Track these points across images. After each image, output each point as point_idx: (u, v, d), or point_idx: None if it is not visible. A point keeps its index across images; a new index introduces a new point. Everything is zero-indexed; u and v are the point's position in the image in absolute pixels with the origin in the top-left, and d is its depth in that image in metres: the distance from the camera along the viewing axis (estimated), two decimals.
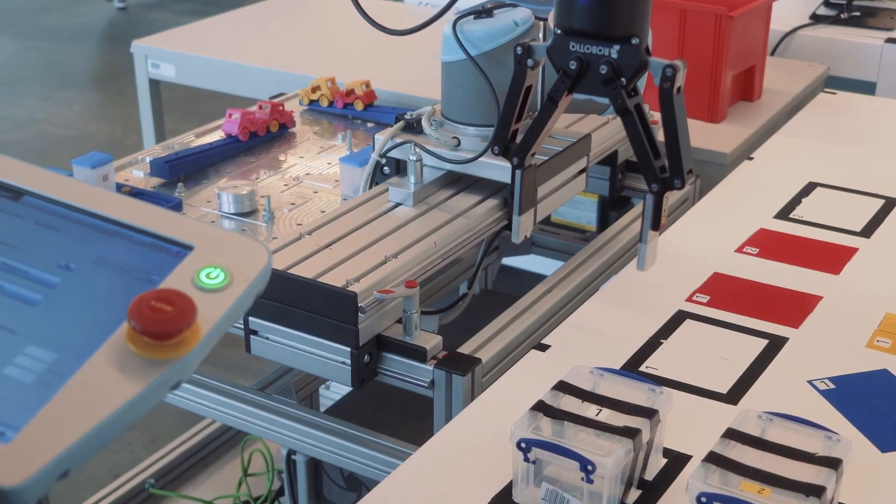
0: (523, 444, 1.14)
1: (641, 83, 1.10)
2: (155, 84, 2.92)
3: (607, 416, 1.19)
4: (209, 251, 0.77)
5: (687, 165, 1.05)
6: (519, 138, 1.17)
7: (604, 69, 1.05)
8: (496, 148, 1.09)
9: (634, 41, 1.03)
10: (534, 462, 1.15)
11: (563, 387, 1.22)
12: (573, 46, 1.05)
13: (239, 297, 0.75)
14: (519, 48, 1.08)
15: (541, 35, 1.67)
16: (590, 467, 1.10)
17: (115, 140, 4.87)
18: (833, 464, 1.10)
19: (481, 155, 1.66)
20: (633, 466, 1.16)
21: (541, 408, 1.18)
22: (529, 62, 1.10)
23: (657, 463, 1.22)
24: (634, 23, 1.03)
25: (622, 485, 1.15)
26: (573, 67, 1.06)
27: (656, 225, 1.08)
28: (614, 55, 1.04)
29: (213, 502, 2.41)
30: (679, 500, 1.15)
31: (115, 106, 5.33)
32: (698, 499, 1.06)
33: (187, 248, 0.78)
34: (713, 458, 1.11)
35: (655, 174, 1.06)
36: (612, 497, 1.14)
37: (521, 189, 1.10)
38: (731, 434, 1.15)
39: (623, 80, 1.05)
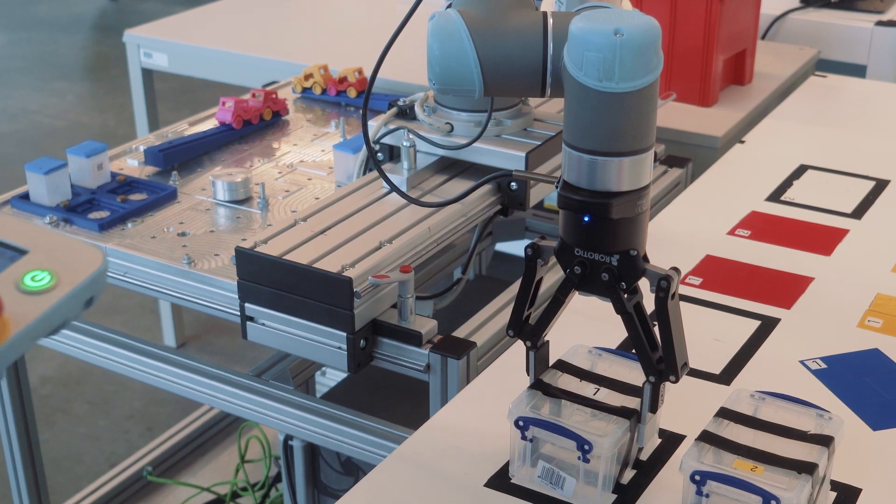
0: (521, 423, 1.15)
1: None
2: (148, 73, 2.92)
3: (605, 395, 1.20)
4: (42, 255, 0.79)
5: (681, 361, 1.14)
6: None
7: (605, 276, 1.13)
8: (511, 331, 1.21)
9: (633, 253, 1.11)
10: (531, 440, 1.16)
11: (561, 366, 1.23)
12: (578, 252, 1.13)
13: (61, 299, 0.76)
14: (529, 249, 1.18)
15: (540, 28, 1.67)
16: (587, 447, 1.11)
17: (109, 130, 4.87)
18: (825, 441, 1.11)
19: (475, 141, 1.67)
20: (630, 446, 1.17)
21: (539, 386, 1.19)
22: (540, 261, 1.19)
23: (653, 443, 1.24)
24: (632, 238, 1.12)
25: (618, 464, 1.16)
26: (577, 272, 1.14)
27: (653, 409, 1.16)
28: (614, 263, 1.12)
29: (210, 489, 2.42)
30: (673, 479, 1.16)
31: (107, 96, 5.33)
32: (692, 477, 1.07)
33: (21, 252, 0.79)
34: (707, 437, 1.12)
35: (653, 367, 1.14)
36: (608, 476, 1.15)
37: (535, 366, 1.21)
38: (725, 413, 1.16)
39: (623, 284, 1.12)
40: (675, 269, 1.12)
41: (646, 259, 1.13)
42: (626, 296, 1.13)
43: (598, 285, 1.13)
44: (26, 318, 0.74)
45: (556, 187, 1.12)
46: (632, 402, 1.17)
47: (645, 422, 1.15)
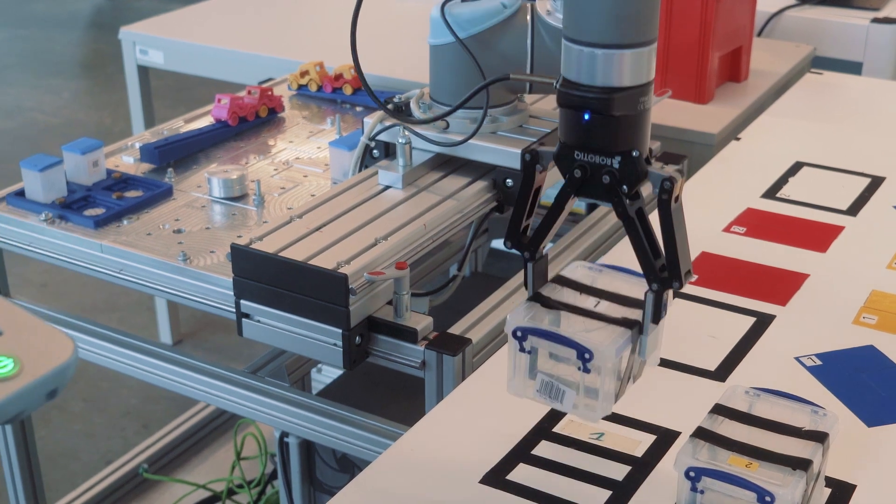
0: (519, 333, 1.12)
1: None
2: (143, 71, 2.92)
3: (605, 307, 1.16)
4: (12, 339, 0.76)
5: (685, 268, 1.09)
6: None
7: (606, 179, 1.09)
8: (508, 243, 1.16)
9: (635, 153, 1.08)
10: (529, 352, 1.12)
11: (560, 280, 1.18)
12: (578, 156, 1.09)
13: (20, 389, 0.73)
14: (527, 155, 1.13)
15: (528, 18, 1.67)
16: (587, 355, 1.08)
17: (104, 127, 4.86)
18: (820, 438, 1.11)
19: (470, 137, 1.67)
20: (631, 359, 1.12)
21: (537, 299, 1.15)
22: (538, 167, 1.14)
23: (655, 356, 1.17)
24: (635, 138, 1.08)
25: (619, 381, 1.12)
26: (577, 175, 1.10)
27: (656, 319, 1.11)
28: (615, 165, 1.08)
29: (206, 486, 2.42)
30: (668, 476, 1.16)
31: (103, 93, 5.32)
32: (686, 473, 1.07)
33: None
34: (701, 434, 1.12)
35: (656, 274, 1.10)
36: (608, 392, 1.11)
37: (533, 279, 1.16)
38: (719, 410, 1.16)
39: (624, 187, 1.08)
40: (679, 171, 1.08)
41: (648, 161, 1.09)
42: (628, 201, 1.08)
43: (598, 190, 1.09)
44: None
45: (555, 86, 1.08)
46: (634, 315, 1.12)
47: (647, 333, 1.11)
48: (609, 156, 1.08)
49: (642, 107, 1.07)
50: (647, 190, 1.10)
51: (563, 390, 1.12)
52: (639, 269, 1.11)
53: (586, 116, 1.07)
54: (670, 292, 1.10)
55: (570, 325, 1.13)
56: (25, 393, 0.74)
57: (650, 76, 1.07)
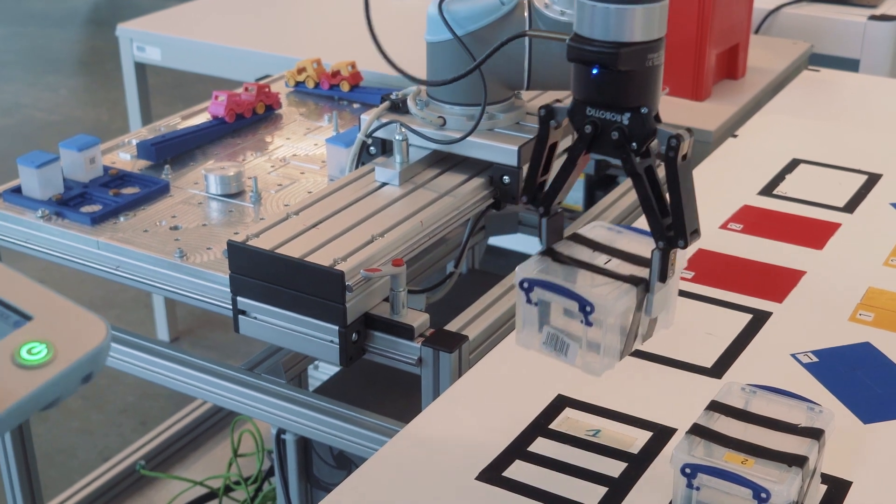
0: (525, 284, 1.13)
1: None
2: (141, 67, 2.91)
3: (616, 265, 1.16)
4: (44, 324, 0.76)
5: (690, 227, 1.11)
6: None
7: (615, 135, 1.11)
8: (525, 198, 1.19)
9: (644, 110, 1.10)
10: (536, 304, 1.14)
11: (576, 237, 1.20)
12: (589, 112, 1.12)
13: (55, 376, 0.73)
14: (542, 110, 1.16)
15: (526, 14, 1.67)
16: (588, 308, 1.09)
17: (102, 124, 4.86)
18: (815, 434, 1.11)
19: (468, 135, 1.67)
20: (637, 316, 1.13)
21: (549, 253, 1.17)
22: (552, 123, 1.16)
23: (666, 319, 1.18)
24: (643, 94, 1.10)
25: (623, 336, 1.13)
26: (588, 131, 1.12)
27: (663, 278, 1.13)
28: (625, 122, 1.10)
29: (203, 483, 2.42)
30: (664, 472, 1.16)
31: (100, 90, 5.32)
32: (682, 470, 1.08)
33: (25, 318, 0.77)
34: (697, 430, 1.12)
35: (662, 233, 1.12)
36: (609, 347, 1.11)
37: (547, 234, 1.19)
38: (716, 406, 1.16)
39: (634, 144, 1.10)
40: (688, 130, 1.09)
41: (658, 119, 1.11)
42: (637, 158, 1.10)
43: (608, 146, 1.11)
44: (16, 394, 0.72)
45: (567, 41, 1.10)
46: (643, 273, 1.14)
47: (654, 291, 1.12)
48: (619, 112, 1.10)
49: (651, 63, 1.09)
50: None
51: (567, 343, 1.14)
52: None
53: (594, 71, 1.09)
54: (678, 252, 1.12)
55: (580, 281, 1.14)
56: (61, 379, 0.74)
57: (660, 33, 1.09)
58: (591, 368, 1.14)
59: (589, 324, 1.10)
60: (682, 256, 1.15)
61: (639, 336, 1.16)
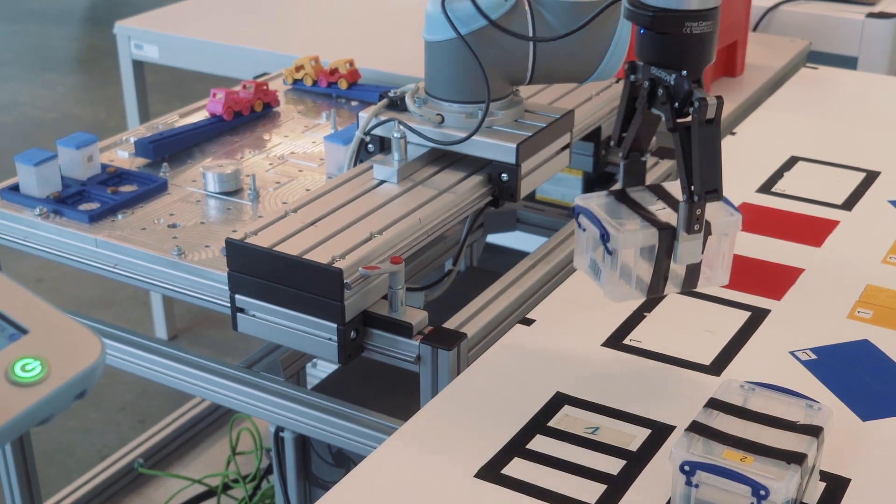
0: (576, 212, 1.33)
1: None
2: (139, 65, 2.91)
3: (665, 214, 1.31)
4: (40, 339, 0.75)
5: (704, 187, 1.25)
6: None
7: (661, 92, 1.26)
8: (612, 142, 1.38)
9: (683, 73, 1.24)
10: (584, 230, 1.33)
11: (653, 187, 1.36)
12: (652, 70, 1.27)
13: (49, 394, 0.72)
14: (629, 65, 1.31)
15: (527, 9, 1.67)
16: (605, 237, 1.28)
17: (99, 122, 4.86)
18: (814, 431, 1.12)
19: (472, 134, 1.67)
20: (666, 261, 1.28)
21: (620, 195, 1.35)
22: (633, 77, 1.31)
23: (702, 279, 1.33)
24: (683, 59, 1.24)
25: (640, 272, 1.29)
26: (646, 87, 1.28)
27: (688, 229, 1.27)
28: (671, 81, 1.25)
29: (201, 481, 2.42)
30: (663, 470, 1.16)
31: (98, 88, 5.32)
32: (681, 467, 1.08)
33: (20, 331, 0.76)
34: (696, 428, 1.12)
35: (687, 188, 1.26)
36: (628, 267, 1.27)
37: (624, 176, 1.37)
38: (714, 404, 1.16)
39: (677, 104, 1.25)
40: (719, 98, 1.22)
41: (699, 84, 1.23)
42: (679, 119, 1.24)
43: (658, 101, 1.26)
44: (9, 412, 0.71)
45: (625, 3, 1.26)
46: (671, 218, 1.29)
47: (679, 240, 1.26)
48: (666, 71, 1.25)
49: (689, 31, 1.22)
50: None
51: (600, 269, 1.32)
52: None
53: (641, 31, 1.25)
54: (735, 219, 1.30)
55: (618, 216, 1.31)
56: (54, 397, 0.73)
57: (702, 5, 1.22)
58: (612, 295, 1.31)
59: (608, 251, 1.28)
60: (734, 224, 1.32)
61: (670, 282, 1.31)
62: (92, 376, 0.75)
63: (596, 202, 1.33)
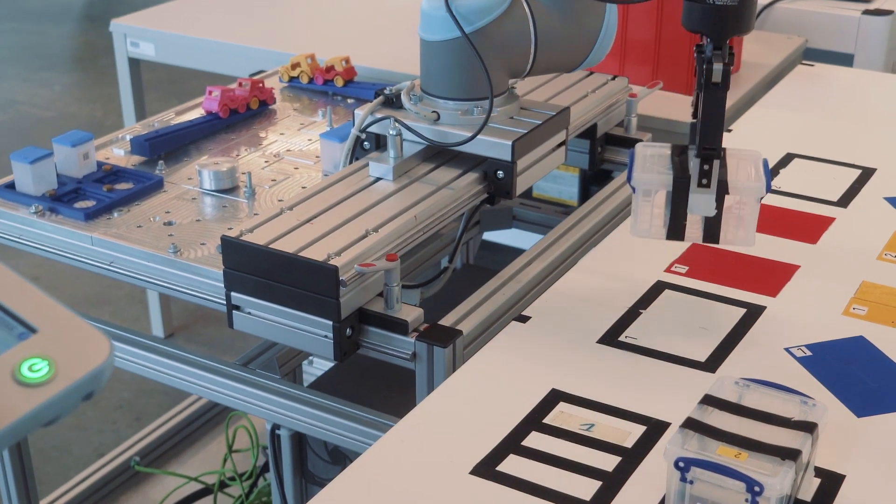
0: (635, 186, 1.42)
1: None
2: (135, 63, 2.91)
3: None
4: (48, 338, 0.75)
5: (703, 144, 1.36)
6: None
7: (696, 53, 1.38)
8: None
9: (706, 40, 1.35)
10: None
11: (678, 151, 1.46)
12: (702, 38, 1.38)
13: (56, 395, 0.72)
14: (697, 46, 1.40)
15: (527, 8, 1.67)
16: (630, 181, 1.41)
17: (96, 121, 4.85)
18: (809, 428, 1.12)
19: (477, 133, 1.66)
20: (681, 209, 1.38)
21: (677, 149, 1.45)
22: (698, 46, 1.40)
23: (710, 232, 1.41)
24: (706, 26, 1.35)
25: (657, 208, 1.41)
26: (696, 53, 1.38)
27: (698, 183, 1.37)
28: (705, 45, 1.36)
29: (198, 478, 2.42)
30: (658, 466, 1.16)
31: (95, 87, 5.31)
32: (676, 464, 1.08)
33: (29, 330, 0.76)
34: (691, 424, 1.12)
35: (697, 143, 1.37)
36: (635, 210, 1.42)
37: (690, 136, 1.44)
38: (709, 400, 1.16)
39: (705, 66, 1.36)
40: (726, 65, 1.34)
41: (719, 49, 1.34)
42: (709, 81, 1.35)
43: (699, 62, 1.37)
44: (15, 413, 0.71)
45: None
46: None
47: (692, 191, 1.37)
48: (700, 36, 1.37)
49: (713, 2, 1.33)
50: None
51: (636, 211, 1.43)
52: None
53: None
54: (756, 188, 1.38)
55: (658, 164, 1.43)
56: (60, 398, 0.72)
57: None
58: (634, 229, 1.43)
59: (633, 189, 1.41)
60: (754, 190, 1.39)
61: (688, 227, 1.40)
62: (100, 377, 0.74)
63: (651, 151, 1.44)
